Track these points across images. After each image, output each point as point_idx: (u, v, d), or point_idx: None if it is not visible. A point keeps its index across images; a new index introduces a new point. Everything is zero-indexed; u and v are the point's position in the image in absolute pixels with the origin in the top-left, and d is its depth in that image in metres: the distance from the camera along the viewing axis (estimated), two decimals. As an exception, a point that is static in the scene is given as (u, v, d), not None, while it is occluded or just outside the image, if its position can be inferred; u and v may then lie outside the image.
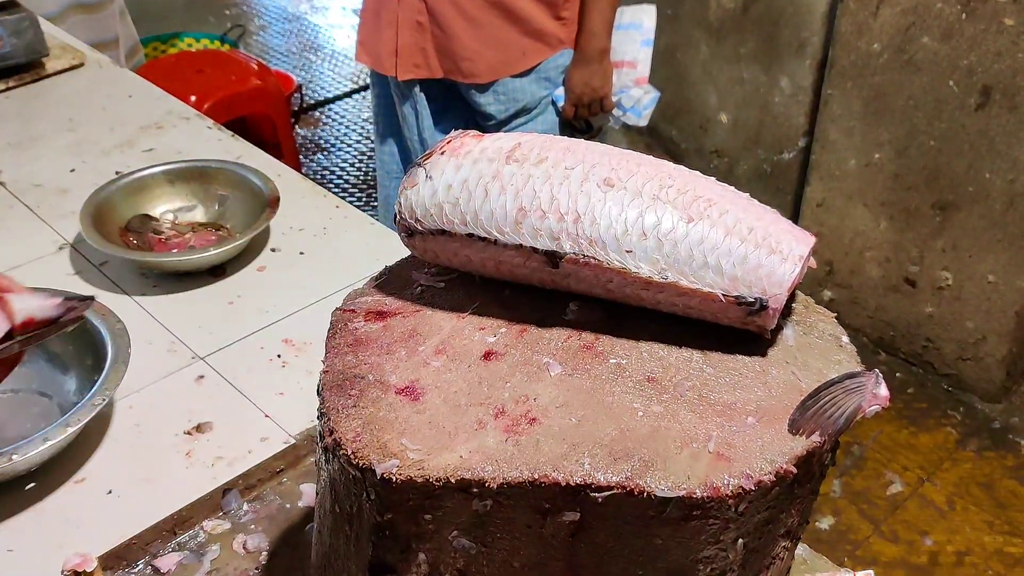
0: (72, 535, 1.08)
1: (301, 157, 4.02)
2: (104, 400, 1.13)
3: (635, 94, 3.43)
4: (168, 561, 1.06)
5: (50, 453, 1.12)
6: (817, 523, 2.42)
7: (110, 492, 1.13)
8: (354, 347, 0.87)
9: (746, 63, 3.21)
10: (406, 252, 0.92)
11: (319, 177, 4.01)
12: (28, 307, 0.98)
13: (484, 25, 2.24)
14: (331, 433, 0.78)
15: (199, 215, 1.62)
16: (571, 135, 3.48)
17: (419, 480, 0.73)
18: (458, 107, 2.44)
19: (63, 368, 1.28)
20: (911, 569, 2.33)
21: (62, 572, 1.01)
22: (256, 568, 1.06)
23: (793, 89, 3.10)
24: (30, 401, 1.27)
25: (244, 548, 1.08)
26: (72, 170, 1.76)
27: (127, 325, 1.24)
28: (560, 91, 2.40)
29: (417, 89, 2.39)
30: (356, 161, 4.16)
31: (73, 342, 1.26)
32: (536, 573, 0.78)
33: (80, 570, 1.02)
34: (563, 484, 0.73)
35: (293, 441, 1.21)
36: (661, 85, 3.47)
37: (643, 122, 3.44)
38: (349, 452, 0.76)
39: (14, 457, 1.06)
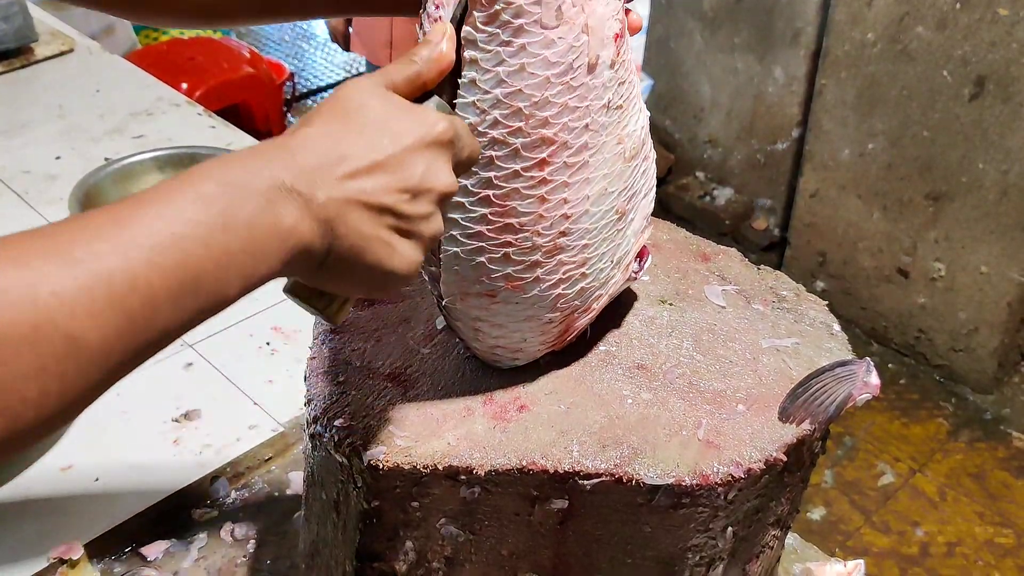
0: (58, 522, 1.07)
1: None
2: None
3: (628, 83, 3.43)
4: (155, 549, 1.06)
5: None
6: (808, 513, 2.42)
7: (97, 479, 1.12)
8: (342, 333, 0.87)
9: (740, 53, 3.20)
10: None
11: (311, 166, 3.98)
12: None
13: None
14: (318, 420, 0.78)
15: (188, 202, 1.61)
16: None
17: (406, 467, 0.73)
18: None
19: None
20: (902, 559, 2.33)
21: (48, 559, 1.01)
22: (244, 556, 1.05)
23: (787, 79, 3.09)
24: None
25: (232, 536, 1.08)
26: (57, 157, 1.75)
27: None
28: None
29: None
30: (348, 150, 4.13)
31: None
32: (524, 561, 0.78)
33: (66, 558, 1.01)
34: (551, 471, 0.73)
35: (282, 429, 1.20)
36: (655, 74, 3.46)
37: (636, 111, 3.42)
38: (336, 439, 0.75)
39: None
